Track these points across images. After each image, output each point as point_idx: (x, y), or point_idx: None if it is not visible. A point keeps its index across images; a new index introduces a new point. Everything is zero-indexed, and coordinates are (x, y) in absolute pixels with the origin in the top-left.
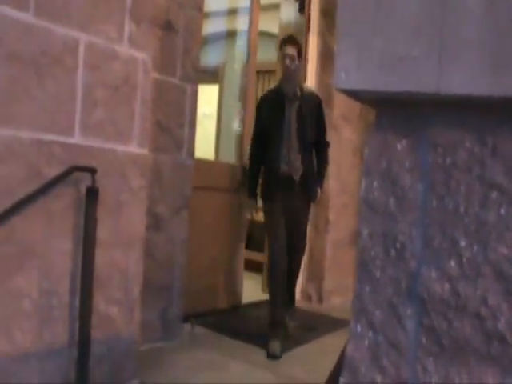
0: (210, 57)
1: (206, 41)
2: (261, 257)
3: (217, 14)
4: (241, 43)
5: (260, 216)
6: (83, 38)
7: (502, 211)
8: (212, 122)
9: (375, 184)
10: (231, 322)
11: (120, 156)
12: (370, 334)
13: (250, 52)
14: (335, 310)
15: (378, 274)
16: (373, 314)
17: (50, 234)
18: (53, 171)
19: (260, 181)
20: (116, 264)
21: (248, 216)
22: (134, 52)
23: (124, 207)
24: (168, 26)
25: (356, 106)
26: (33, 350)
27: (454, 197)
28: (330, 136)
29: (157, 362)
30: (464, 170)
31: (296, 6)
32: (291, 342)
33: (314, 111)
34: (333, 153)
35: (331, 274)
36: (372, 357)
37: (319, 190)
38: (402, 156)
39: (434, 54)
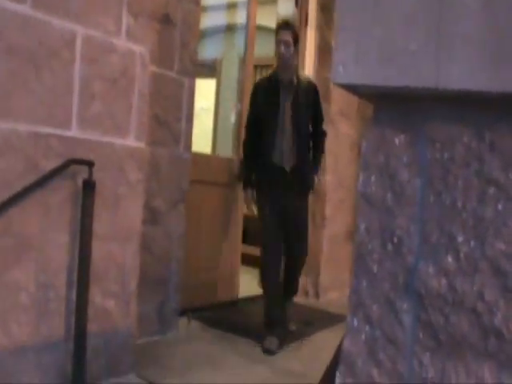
0: (208, 51)
1: (204, 35)
2: (257, 251)
3: (214, 7)
4: (238, 37)
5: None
6: (80, 30)
7: (500, 207)
8: (209, 116)
9: (373, 178)
10: (228, 316)
11: (117, 149)
12: (367, 328)
13: (248, 46)
14: (332, 305)
15: (375, 269)
16: (370, 309)
17: (47, 226)
18: (50, 164)
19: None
20: (113, 257)
21: (245, 205)
22: (132, 45)
23: (121, 201)
24: (166, 20)
25: (354, 100)
26: (30, 343)
27: (452, 192)
28: (328, 131)
29: (153, 355)
30: (462, 165)
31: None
32: (289, 337)
33: (310, 100)
34: (330, 147)
35: (328, 269)
36: (369, 351)
37: (316, 178)
38: (400, 151)
39: (433, 49)
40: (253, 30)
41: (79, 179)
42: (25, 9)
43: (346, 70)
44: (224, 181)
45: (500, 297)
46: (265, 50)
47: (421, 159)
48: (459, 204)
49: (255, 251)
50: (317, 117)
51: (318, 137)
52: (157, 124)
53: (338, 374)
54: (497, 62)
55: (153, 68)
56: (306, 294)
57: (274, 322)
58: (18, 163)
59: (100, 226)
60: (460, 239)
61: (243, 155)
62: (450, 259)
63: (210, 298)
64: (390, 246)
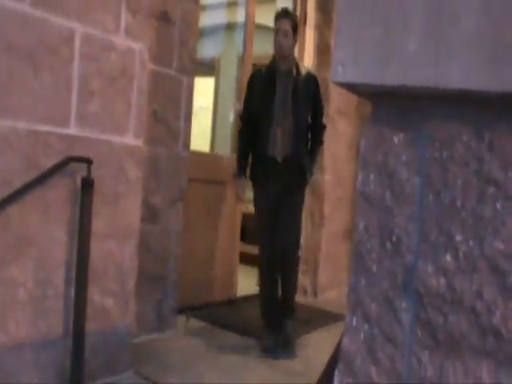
0: (207, 49)
1: (203, 33)
2: (256, 250)
3: (213, 6)
4: (237, 36)
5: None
6: (79, 28)
7: (498, 206)
8: (208, 115)
9: (372, 177)
10: (226, 315)
11: (116, 147)
12: (366, 327)
13: (247, 45)
14: (330, 304)
15: (373, 268)
16: (368, 307)
17: (46, 224)
18: (49, 162)
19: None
20: (111, 256)
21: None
22: (131, 43)
23: (120, 199)
24: (164, 17)
25: (352, 99)
26: (28, 341)
27: (451, 191)
28: (326, 129)
29: (151, 353)
30: (461, 164)
31: None
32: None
33: (310, 91)
34: (328, 146)
35: (326, 267)
36: (367, 350)
37: (314, 172)
38: (399, 149)
39: (432, 48)
40: (251, 28)
41: (78, 177)
42: (24, 7)
43: (345, 69)
44: (222, 179)
45: (498, 296)
46: (264, 48)
47: (420, 158)
48: (458, 203)
49: (254, 250)
50: (316, 109)
51: (317, 129)
52: (155, 122)
53: (336, 372)
54: (496, 61)
55: (151, 66)
56: (305, 292)
57: (270, 323)
58: (17, 161)
59: (98, 223)
60: (459, 238)
61: (239, 144)
62: (448, 258)
63: (208, 296)
64: (388, 245)
